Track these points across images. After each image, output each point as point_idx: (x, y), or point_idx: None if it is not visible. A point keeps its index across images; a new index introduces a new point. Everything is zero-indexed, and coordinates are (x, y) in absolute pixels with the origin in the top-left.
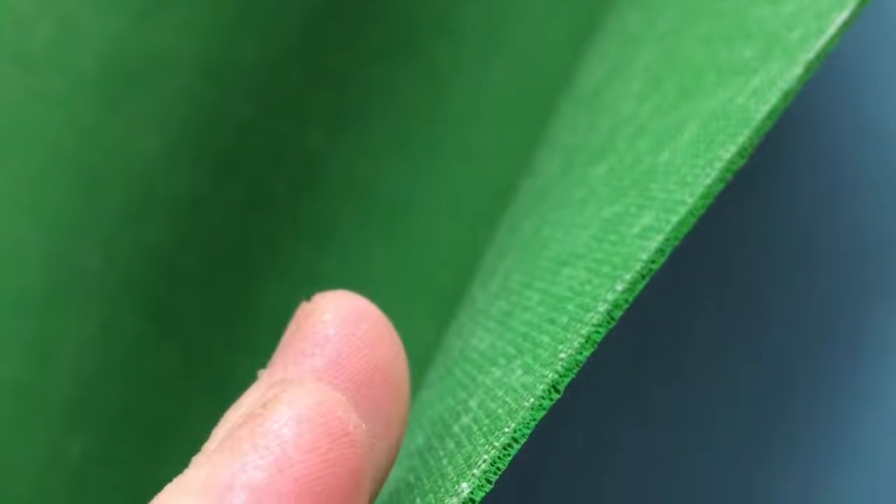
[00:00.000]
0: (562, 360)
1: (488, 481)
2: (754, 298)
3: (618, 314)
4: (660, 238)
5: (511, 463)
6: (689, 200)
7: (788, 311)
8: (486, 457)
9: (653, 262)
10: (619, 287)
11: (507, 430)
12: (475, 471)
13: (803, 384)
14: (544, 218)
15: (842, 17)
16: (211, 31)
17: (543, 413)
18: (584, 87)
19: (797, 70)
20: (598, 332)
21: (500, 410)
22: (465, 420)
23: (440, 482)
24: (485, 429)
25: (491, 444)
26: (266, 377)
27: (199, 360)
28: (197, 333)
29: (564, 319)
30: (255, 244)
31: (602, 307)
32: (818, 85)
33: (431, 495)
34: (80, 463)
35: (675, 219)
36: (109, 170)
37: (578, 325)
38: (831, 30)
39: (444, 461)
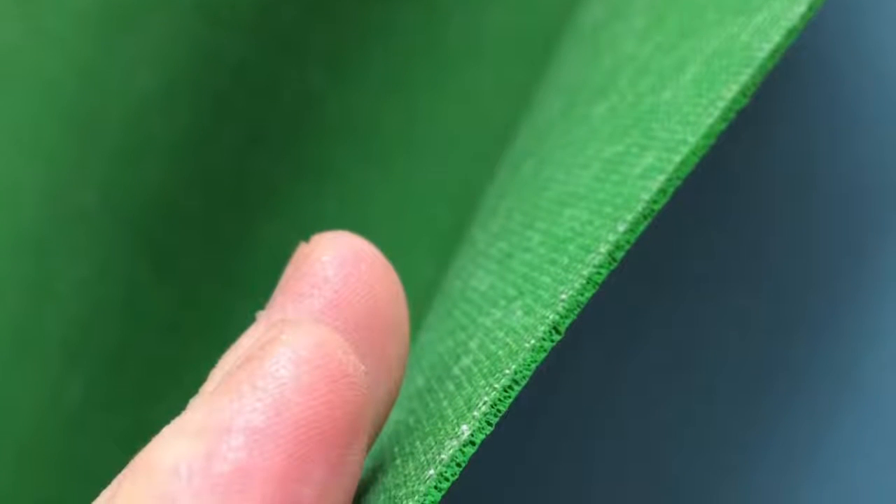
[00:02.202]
0: (563, 301)
1: (489, 423)
2: (755, 237)
3: (619, 255)
4: (662, 178)
5: (511, 405)
6: (692, 140)
7: (789, 250)
8: (486, 399)
9: (655, 202)
10: (621, 228)
11: (507, 371)
12: (475, 413)
13: (804, 324)
14: (545, 158)
15: None
16: None
17: (544, 354)
18: (585, 25)
19: (800, 8)
20: (599, 272)
21: (500, 352)
22: (466, 362)
23: (440, 424)
24: (485, 370)
25: (491, 385)
26: (264, 318)
27: (197, 300)
28: (194, 274)
29: (565, 260)
30: (254, 184)
31: (603, 248)
32: (820, 22)
33: (431, 438)
34: (77, 406)
35: (677, 158)
36: (107, 109)
37: (580, 266)
38: None
39: (444, 403)
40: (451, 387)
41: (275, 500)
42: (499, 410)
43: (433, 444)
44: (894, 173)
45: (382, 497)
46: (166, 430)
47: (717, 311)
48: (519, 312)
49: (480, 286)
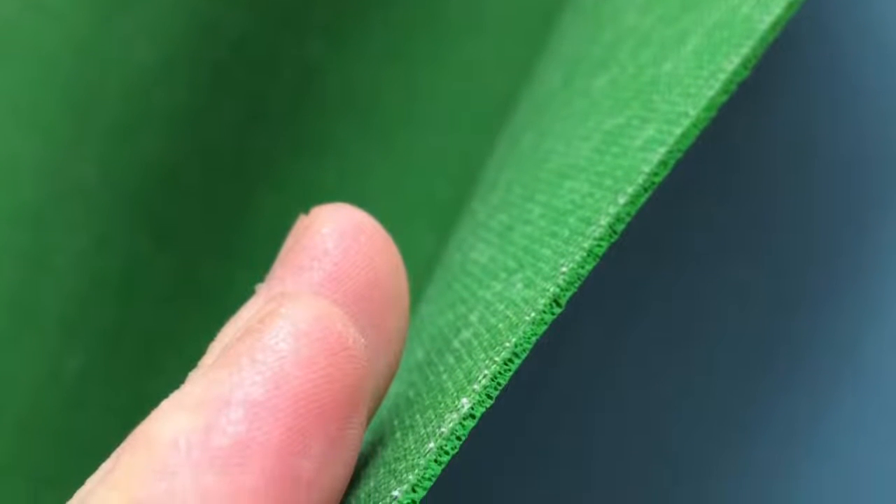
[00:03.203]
0: (563, 273)
1: (489, 396)
2: (756, 210)
3: (620, 227)
4: (662, 150)
5: (511, 378)
6: (693, 112)
7: (790, 223)
8: (486, 372)
9: (655, 174)
10: (622, 200)
11: (507, 344)
12: (475, 386)
13: (805, 297)
14: (545, 130)
15: None
16: None
17: (545, 327)
18: None
19: None
20: (599, 245)
21: (500, 325)
22: (466, 335)
23: (440, 397)
24: (485, 343)
25: (491, 358)
26: (264, 291)
27: (196, 273)
28: (194, 247)
29: (566, 233)
30: (253, 157)
31: (604, 220)
32: None
33: (431, 411)
34: (75, 379)
35: (678, 131)
36: (105, 83)
37: (580, 239)
38: None
39: (444, 376)
40: (451, 360)
41: (274, 473)
42: (499, 384)
43: (433, 417)
44: (894, 146)
45: (382, 470)
46: (165, 404)
47: (718, 284)
48: (519, 285)
49: (481, 259)
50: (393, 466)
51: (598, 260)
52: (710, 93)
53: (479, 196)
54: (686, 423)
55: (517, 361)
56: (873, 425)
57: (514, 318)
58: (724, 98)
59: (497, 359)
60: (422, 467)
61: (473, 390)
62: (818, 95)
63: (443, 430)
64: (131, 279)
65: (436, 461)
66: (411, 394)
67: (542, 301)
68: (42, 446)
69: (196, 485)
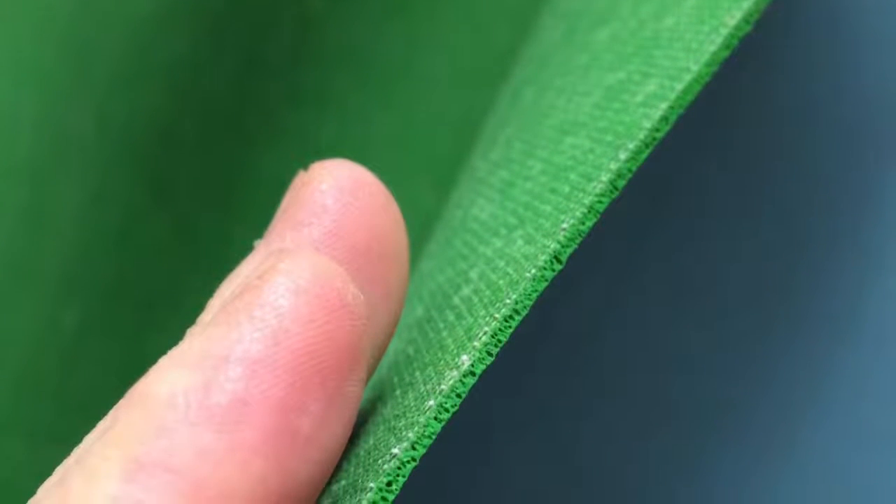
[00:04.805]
0: (564, 230)
1: (489, 354)
2: (756, 165)
3: (621, 184)
4: (664, 106)
5: (512, 335)
6: (694, 68)
7: (792, 177)
8: (486, 329)
9: (657, 130)
10: (623, 156)
11: (508, 301)
12: (476, 343)
13: (807, 256)
14: (546, 85)
15: None
16: None
17: (545, 284)
18: None
19: None
20: (600, 201)
21: (501, 281)
22: (466, 291)
23: (440, 354)
24: (486, 300)
25: (492, 315)
26: (262, 247)
27: (194, 228)
28: (192, 201)
29: (566, 189)
30: (252, 110)
31: (605, 176)
32: None
33: (431, 368)
34: (73, 335)
35: (679, 86)
36: (102, 34)
37: (581, 195)
38: None
39: (444, 333)
40: (452, 317)
41: (272, 430)
42: (499, 340)
43: (433, 374)
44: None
45: (382, 428)
46: (163, 361)
47: (718, 241)
48: (520, 241)
49: (481, 215)
50: (392, 424)
51: (598, 216)
52: (712, 48)
53: (479, 152)
54: (686, 383)
55: (518, 318)
56: (875, 383)
57: (514, 275)
58: (726, 53)
59: (497, 315)
60: (421, 424)
61: (474, 347)
62: (821, 50)
63: (443, 387)
64: (129, 234)
65: (436, 418)
66: (411, 351)
67: (543, 257)
68: (39, 403)
69: (194, 442)
